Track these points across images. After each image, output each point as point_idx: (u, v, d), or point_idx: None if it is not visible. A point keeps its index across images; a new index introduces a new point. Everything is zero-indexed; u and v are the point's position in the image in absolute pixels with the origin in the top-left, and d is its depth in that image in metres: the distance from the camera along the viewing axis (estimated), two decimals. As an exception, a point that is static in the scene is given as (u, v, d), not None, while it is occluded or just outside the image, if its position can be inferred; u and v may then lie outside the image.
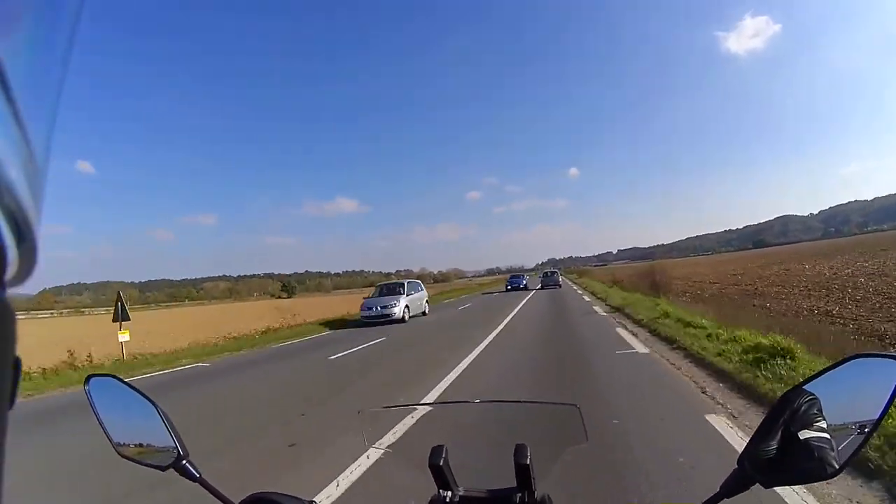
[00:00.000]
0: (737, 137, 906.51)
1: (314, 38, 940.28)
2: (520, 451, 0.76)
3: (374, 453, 3.31)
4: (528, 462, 0.75)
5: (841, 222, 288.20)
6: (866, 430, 0.62)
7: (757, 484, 0.66)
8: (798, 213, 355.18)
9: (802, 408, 0.64)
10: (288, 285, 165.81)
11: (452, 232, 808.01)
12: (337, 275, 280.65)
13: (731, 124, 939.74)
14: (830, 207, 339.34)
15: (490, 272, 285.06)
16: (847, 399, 0.64)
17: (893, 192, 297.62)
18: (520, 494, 0.77)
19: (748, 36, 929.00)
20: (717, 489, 0.69)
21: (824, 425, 0.63)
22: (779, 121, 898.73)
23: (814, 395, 0.65)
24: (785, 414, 0.64)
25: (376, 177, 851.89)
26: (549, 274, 37.25)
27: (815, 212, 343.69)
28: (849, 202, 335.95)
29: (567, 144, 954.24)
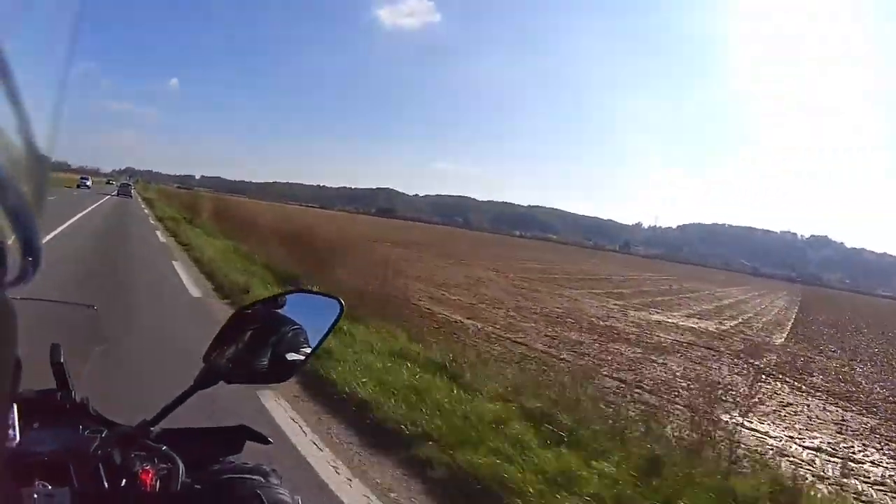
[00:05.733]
0: (355, 105, 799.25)
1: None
2: (54, 350, 0.74)
3: None
4: (62, 361, 0.74)
5: (454, 213, 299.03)
6: (309, 349, 0.78)
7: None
8: (404, 192, 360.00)
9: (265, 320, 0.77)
10: None
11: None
12: None
13: (354, 91, 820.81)
14: (437, 195, 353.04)
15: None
16: (298, 321, 0.78)
17: (505, 201, 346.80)
18: (60, 394, 0.74)
19: (404, 14, 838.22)
20: (192, 384, 0.73)
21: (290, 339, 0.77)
22: (400, 102, 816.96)
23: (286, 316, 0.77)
24: (254, 325, 0.76)
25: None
26: (125, 185, 44.66)
27: (422, 194, 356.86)
28: (460, 196, 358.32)
29: (175, 48, 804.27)
